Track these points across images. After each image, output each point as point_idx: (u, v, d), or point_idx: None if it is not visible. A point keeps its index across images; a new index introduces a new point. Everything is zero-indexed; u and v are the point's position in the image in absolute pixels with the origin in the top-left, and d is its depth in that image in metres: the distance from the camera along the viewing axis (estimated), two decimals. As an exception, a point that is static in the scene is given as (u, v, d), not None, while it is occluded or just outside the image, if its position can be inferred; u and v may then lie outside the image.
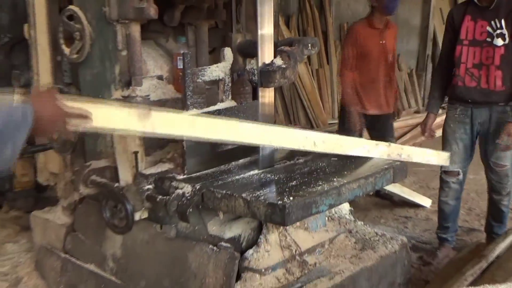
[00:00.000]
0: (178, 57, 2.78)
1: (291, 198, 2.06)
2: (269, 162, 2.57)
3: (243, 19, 3.13)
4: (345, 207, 2.86)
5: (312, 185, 2.25)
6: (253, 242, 2.43)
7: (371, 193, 4.17)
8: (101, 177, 2.60)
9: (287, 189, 2.20)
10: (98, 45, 2.70)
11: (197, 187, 2.27)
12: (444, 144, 3.74)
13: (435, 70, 3.97)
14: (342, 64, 4.73)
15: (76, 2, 2.75)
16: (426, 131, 3.85)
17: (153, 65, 2.91)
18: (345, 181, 2.30)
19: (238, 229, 2.46)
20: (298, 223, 2.50)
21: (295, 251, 2.45)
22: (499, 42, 3.38)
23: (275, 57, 2.49)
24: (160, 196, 2.34)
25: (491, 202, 3.77)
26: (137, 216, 2.41)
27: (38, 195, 4.36)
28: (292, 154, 2.78)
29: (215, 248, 2.38)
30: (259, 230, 2.47)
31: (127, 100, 2.53)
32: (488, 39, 3.42)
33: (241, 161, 2.66)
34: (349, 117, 4.52)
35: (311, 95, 7.05)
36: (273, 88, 2.53)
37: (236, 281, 2.30)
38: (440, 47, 3.80)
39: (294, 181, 2.33)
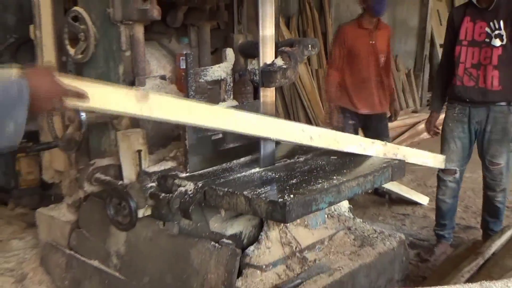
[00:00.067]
0: (181, 58, 2.78)
1: (292, 196, 2.07)
2: (270, 161, 2.57)
3: (244, 20, 3.13)
4: (344, 205, 2.86)
5: (312, 183, 2.25)
6: (254, 239, 2.43)
7: (370, 191, 4.18)
8: (105, 175, 2.60)
9: (287, 187, 2.20)
10: (103, 46, 2.71)
11: (200, 185, 2.27)
12: (443, 142, 3.75)
13: (438, 70, 3.98)
14: (329, 64, 4.76)
15: (81, 3, 2.76)
16: (431, 130, 3.91)
17: (156, 65, 2.91)
18: (344, 179, 2.30)
19: (240, 226, 2.46)
20: (298, 220, 2.50)
21: (295, 248, 2.45)
22: (497, 42, 3.39)
23: (276, 57, 2.49)
24: (163, 194, 2.34)
25: (486, 198, 3.78)
26: (140, 213, 2.41)
27: (43, 192, 4.36)
28: (293, 152, 2.78)
29: (217, 244, 2.38)
30: (260, 227, 2.47)
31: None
32: (487, 40, 3.42)
33: (242, 159, 2.66)
34: (330, 114, 4.62)
35: (311, 95, 7.05)
36: (274, 88, 2.54)
37: (238, 277, 2.30)
38: (438, 48, 3.84)
39: (295, 179, 2.33)
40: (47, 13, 2.94)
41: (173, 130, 2.74)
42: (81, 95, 1.77)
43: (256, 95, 2.83)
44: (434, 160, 3.13)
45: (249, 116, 2.37)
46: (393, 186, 4.83)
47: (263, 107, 2.53)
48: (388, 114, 4.86)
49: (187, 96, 2.41)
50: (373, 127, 4.64)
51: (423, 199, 4.95)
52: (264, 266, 2.31)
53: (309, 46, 2.62)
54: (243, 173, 2.46)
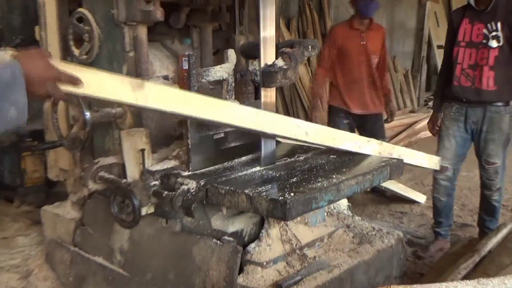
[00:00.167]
0: (184, 58, 2.78)
1: (292, 194, 2.06)
2: (270, 160, 2.57)
3: (245, 22, 3.13)
4: (344, 203, 2.86)
5: (312, 182, 2.25)
6: (255, 236, 2.43)
7: (368, 189, 4.18)
8: (109, 173, 2.60)
9: (288, 186, 2.20)
10: (107, 47, 2.70)
11: (202, 183, 2.27)
12: (439, 140, 3.77)
13: (439, 71, 3.99)
14: (318, 63, 4.77)
15: (85, 4, 2.75)
16: (433, 129, 3.92)
17: (159, 65, 2.91)
18: (343, 178, 2.30)
19: (241, 224, 2.46)
20: (298, 218, 2.50)
21: (296, 245, 2.45)
22: (494, 44, 3.39)
23: (276, 58, 2.49)
24: (166, 192, 2.34)
25: (483, 197, 3.79)
26: (143, 211, 2.41)
27: (49, 190, 4.38)
28: (293, 151, 2.78)
29: (218, 242, 2.38)
30: (260, 224, 2.46)
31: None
32: (484, 41, 3.43)
33: (243, 158, 2.66)
34: (312, 109, 4.72)
35: (311, 95, 7.05)
36: (274, 88, 2.53)
37: (239, 273, 2.30)
38: (435, 49, 3.84)
39: (295, 178, 2.32)
40: (52, 14, 2.93)
41: (175, 129, 2.74)
42: (75, 80, 1.73)
43: (257, 95, 2.83)
44: (429, 161, 3.12)
45: (244, 109, 2.34)
46: (391, 185, 4.83)
47: (263, 107, 2.53)
48: (385, 115, 4.85)
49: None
50: (368, 127, 4.63)
51: (420, 198, 4.95)
52: (264, 263, 2.31)
53: (309, 47, 2.62)
54: (244, 172, 2.46)
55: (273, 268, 2.33)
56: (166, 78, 2.86)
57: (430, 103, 9.41)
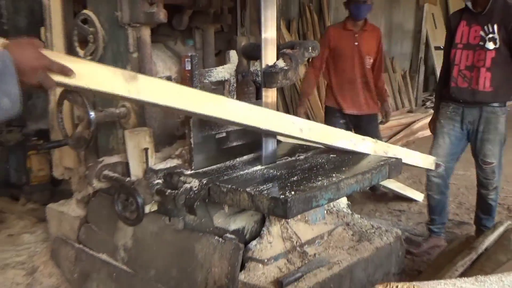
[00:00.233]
0: (186, 59, 2.77)
1: (293, 192, 2.06)
2: (271, 159, 2.57)
3: (247, 23, 3.13)
4: (343, 201, 2.86)
5: (312, 181, 2.24)
6: (256, 234, 2.43)
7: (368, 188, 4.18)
8: (113, 172, 2.60)
9: (288, 184, 2.19)
10: (111, 48, 2.71)
11: (204, 182, 2.27)
12: (434, 138, 3.78)
13: (440, 73, 3.99)
14: (309, 63, 4.77)
15: (90, 6, 2.75)
16: (434, 129, 3.89)
17: (162, 66, 2.91)
18: (343, 177, 2.29)
19: (242, 222, 2.46)
20: (298, 216, 2.50)
21: (296, 243, 2.45)
22: (490, 45, 3.40)
23: (277, 59, 2.48)
24: (169, 190, 2.34)
25: (480, 196, 3.78)
26: (147, 209, 2.41)
27: (54, 188, 4.38)
28: (293, 151, 2.78)
29: (220, 239, 2.38)
30: (262, 222, 2.47)
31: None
32: (481, 43, 3.44)
33: (245, 157, 2.66)
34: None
35: (310, 95, 7.04)
36: (275, 88, 2.53)
37: (240, 270, 2.30)
38: (433, 50, 3.84)
39: (295, 177, 2.32)
40: (57, 16, 2.94)
41: (178, 129, 2.74)
42: (66, 70, 1.69)
43: (258, 95, 2.82)
44: (424, 160, 3.11)
45: (239, 104, 2.31)
46: (389, 183, 4.84)
47: (265, 107, 2.53)
48: (380, 116, 4.82)
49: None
50: (363, 128, 4.59)
51: (418, 196, 4.95)
52: (266, 260, 2.31)
53: (310, 48, 2.62)
54: (246, 171, 2.45)
55: (274, 265, 2.33)
56: (169, 78, 2.86)
57: (428, 103, 9.43)
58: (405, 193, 4.93)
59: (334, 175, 2.32)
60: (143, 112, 2.68)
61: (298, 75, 2.54)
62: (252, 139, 2.62)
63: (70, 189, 3.29)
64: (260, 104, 2.53)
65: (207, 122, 2.43)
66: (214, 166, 2.51)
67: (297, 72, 2.51)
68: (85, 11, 2.74)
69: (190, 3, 2.78)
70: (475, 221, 3.91)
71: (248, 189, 2.13)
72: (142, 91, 1.98)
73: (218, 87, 2.80)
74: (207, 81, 2.62)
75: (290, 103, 7.08)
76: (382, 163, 2.54)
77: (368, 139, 2.70)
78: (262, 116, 2.35)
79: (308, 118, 7.02)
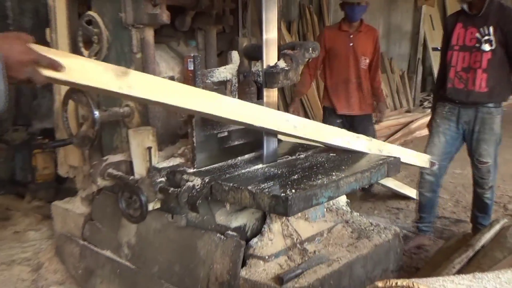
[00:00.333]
0: (189, 60, 2.77)
1: (293, 190, 2.06)
2: (272, 157, 2.57)
3: (248, 25, 3.12)
4: (342, 199, 2.86)
5: (312, 179, 2.24)
6: (258, 231, 2.43)
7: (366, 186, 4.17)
8: (117, 170, 2.60)
9: (289, 182, 2.19)
10: (115, 48, 2.70)
11: (206, 180, 2.27)
12: (429, 137, 3.77)
13: (437, 75, 3.98)
14: (305, 63, 4.74)
15: (94, 8, 2.75)
16: None
17: (166, 67, 2.91)
18: (343, 175, 2.29)
19: (244, 219, 2.46)
20: (299, 214, 2.49)
21: (296, 240, 2.45)
22: (486, 47, 3.39)
23: (278, 60, 2.48)
24: (172, 188, 2.34)
25: (475, 195, 3.78)
26: (150, 207, 2.41)
27: (59, 186, 4.39)
28: (294, 150, 2.78)
29: (222, 236, 2.38)
30: (263, 220, 2.46)
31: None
32: (477, 45, 3.43)
33: (246, 156, 2.65)
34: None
35: (310, 95, 7.04)
36: (276, 88, 2.53)
37: (242, 267, 2.30)
38: (430, 51, 3.84)
39: (296, 175, 2.32)
40: (62, 17, 2.93)
41: (181, 128, 2.74)
42: (56, 65, 1.64)
43: (259, 95, 2.82)
44: (418, 159, 3.09)
45: (232, 101, 2.28)
46: (387, 182, 4.83)
47: (266, 107, 2.52)
48: (374, 116, 4.80)
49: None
50: (355, 128, 4.53)
51: (416, 194, 4.93)
52: (266, 257, 2.31)
53: (310, 49, 2.62)
54: (247, 169, 2.45)
55: (274, 262, 2.33)
56: (172, 78, 2.85)
57: (426, 103, 9.42)
58: (402, 192, 4.92)
59: (334, 173, 2.32)
60: (147, 111, 2.68)
61: (299, 75, 2.53)
62: (253, 138, 2.62)
63: (74, 187, 3.29)
64: (261, 104, 2.53)
65: (209, 122, 2.42)
66: (216, 165, 2.51)
67: (298, 72, 2.51)
68: (89, 12, 2.74)
69: (192, 4, 2.77)
70: (471, 219, 3.91)
71: (249, 187, 2.13)
72: (134, 87, 1.93)
73: (220, 87, 2.79)
74: (209, 81, 2.61)
75: (290, 103, 7.07)
76: (381, 162, 2.54)
77: (362, 137, 2.69)
78: (256, 113, 2.33)
79: (308, 117, 7.02)
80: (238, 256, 2.30)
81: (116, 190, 2.57)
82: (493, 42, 3.38)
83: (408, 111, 8.76)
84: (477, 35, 3.43)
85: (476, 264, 2.63)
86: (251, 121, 2.32)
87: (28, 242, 3.70)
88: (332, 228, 2.66)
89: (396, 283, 1.32)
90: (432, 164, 3.56)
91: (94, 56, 2.74)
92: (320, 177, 2.27)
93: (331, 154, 2.66)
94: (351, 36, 4.49)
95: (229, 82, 2.73)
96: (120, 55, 2.69)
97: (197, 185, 2.27)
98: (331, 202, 2.79)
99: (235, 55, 2.75)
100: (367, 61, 4.56)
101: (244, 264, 2.31)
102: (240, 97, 2.78)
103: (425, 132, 4.08)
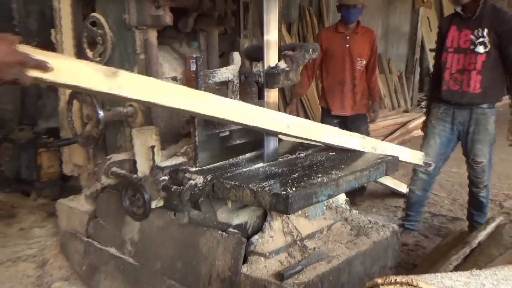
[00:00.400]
0: (191, 60, 2.77)
1: (294, 189, 2.06)
2: (273, 156, 2.57)
3: (250, 26, 3.12)
4: (342, 197, 2.86)
5: (312, 177, 2.24)
6: (258, 229, 2.43)
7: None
8: (121, 169, 2.60)
9: (290, 181, 2.20)
10: (119, 49, 2.70)
11: (208, 179, 2.27)
12: (424, 138, 3.77)
13: (431, 76, 3.97)
14: (304, 65, 4.73)
15: (98, 9, 2.75)
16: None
17: (168, 67, 2.91)
18: (342, 174, 2.29)
19: (245, 217, 2.46)
20: (299, 211, 2.49)
21: (296, 237, 2.45)
22: (480, 49, 3.39)
23: (279, 60, 2.48)
24: (174, 187, 2.34)
25: (471, 194, 3.79)
26: (153, 204, 2.41)
27: (63, 184, 4.39)
28: (294, 149, 2.78)
29: (224, 233, 2.38)
30: (263, 217, 2.46)
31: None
32: (471, 47, 3.43)
33: (247, 155, 2.66)
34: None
35: (310, 96, 7.04)
36: (277, 88, 2.53)
37: (243, 263, 2.30)
38: (428, 52, 3.84)
39: (296, 174, 2.32)
40: (67, 19, 2.94)
41: (183, 127, 2.74)
42: (43, 66, 1.59)
43: (260, 96, 2.82)
44: (413, 156, 3.08)
45: (224, 100, 2.23)
46: (385, 180, 4.83)
47: (267, 107, 2.53)
48: (368, 116, 4.77)
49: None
50: (348, 127, 4.53)
51: (406, 189, 4.93)
52: (267, 254, 2.31)
53: (310, 50, 2.61)
54: (249, 168, 2.45)
55: (275, 259, 2.33)
56: (174, 79, 2.86)
57: (423, 103, 9.41)
58: (400, 190, 4.92)
59: (333, 172, 2.32)
60: (150, 111, 2.68)
61: (299, 76, 2.53)
62: (254, 137, 2.62)
63: (79, 185, 3.30)
64: (262, 104, 2.53)
65: (211, 121, 2.43)
66: (218, 163, 2.51)
67: (298, 73, 2.51)
68: (94, 14, 2.74)
69: (195, 6, 2.77)
70: (467, 217, 3.91)
71: (250, 186, 2.13)
72: (124, 87, 1.89)
73: (222, 87, 2.80)
74: (211, 82, 2.61)
75: (288, 104, 7.06)
76: (380, 160, 2.54)
77: (355, 135, 2.68)
78: (248, 112, 2.31)
79: (308, 118, 7.02)
80: (239, 253, 2.30)
81: (119, 188, 2.57)
82: (487, 44, 3.38)
83: (406, 111, 8.75)
84: (471, 37, 3.43)
85: (473, 261, 2.63)
86: (243, 121, 2.29)
87: (34, 239, 3.70)
88: (331, 226, 2.66)
89: (396, 280, 1.32)
90: (428, 165, 3.57)
91: (99, 57, 2.74)
92: (320, 175, 2.27)
93: (330, 153, 2.66)
94: (347, 37, 4.47)
95: (230, 82, 2.73)
96: (124, 56, 2.69)
97: (199, 183, 2.28)
98: (330, 200, 2.79)
99: (236, 56, 2.75)
100: (364, 62, 4.52)
101: (245, 260, 2.31)
102: (241, 97, 2.78)
103: (423, 131, 4.08)
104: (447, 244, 3.17)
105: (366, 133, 4.58)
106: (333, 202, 2.82)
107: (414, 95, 9.60)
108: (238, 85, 2.75)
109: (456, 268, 2.61)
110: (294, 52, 2.54)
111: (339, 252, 2.44)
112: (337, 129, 2.67)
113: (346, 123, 4.56)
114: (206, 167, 2.45)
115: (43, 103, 4.49)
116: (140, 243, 2.76)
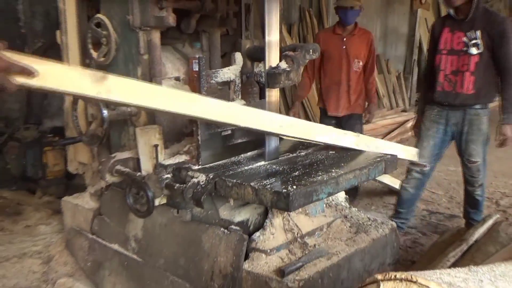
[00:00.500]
0: (194, 61, 2.77)
1: (294, 187, 2.06)
2: (274, 155, 2.57)
3: (251, 27, 3.12)
4: (341, 195, 2.86)
5: (313, 176, 2.24)
6: (260, 226, 2.43)
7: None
8: (125, 167, 2.60)
9: (290, 179, 2.19)
10: (123, 50, 2.70)
11: (211, 177, 2.27)
12: (418, 140, 3.77)
13: (423, 77, 3.96)
14: (304, 67, 4.73)
15: (103, 11, 2.75)
16: (418, 132, 3.85)
17: (171, 67, 2.91)
18: (342, 172, 2.29)
19: (247, 214, 2.46)
20: (299, 209, 2.50)
21: (297, 234, 2.45)
22: (473, 51, 3.40)
23: (280, 61, 2.48)
24: (177, 184, 2.34)
25: (467, 192, 3.79)
26: (156, 202, 2.41)
27: (68, 182, 4.40)
28: (295, 147, 2.77)
29: (226, 230, 2.38)
30: (265, 215, 2.46)
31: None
32: (464, 49, 3.43)
33: (249, 153, 2.65)
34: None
35: (310, 96, 7.03)
36: (278, 88, 2.53)
37: (245, 260, 2.30)
38: (425, 53, 3.82)
39: (297, 172, 2.32)
40: (72, 20, 2.93)
41: (186, 126, 2.74)
42: (28, 71, 1.54)
43: (262, 95, 2.82)
44: (406, 153, 3.07)
45: (215, 102, 2.17)
46: (384, 178, 4.83)
47: (268, 106, 2.52)
48: (364, 118, 4.73)
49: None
50: (342, 127, 4.48)
51: (399, 185, 4.92)
52: (268, 250, 2.31)
53: (310, 50, 2.61)
54: (250, 166, 2.45)
55: (276, 255, 2.34)
56: (177, 79, 2.86)
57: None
58: (399, 188, 4.91)
59: (333, 170, 2.32)
60: (153, 110, 2.67)
61: (300, 76, 2.53)
62: (255, 136, 2.62)
63: (84, 183, 3.30)
64: (263, 104, 2.53)
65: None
66: (220, 162, 2.51)
67: (299, 73, 2.51)
68: (98, 15, 2.73)
69: (197, 8, 2.77)
70: (464, 215, 3.92)
71: (252, 184, 2.13)
72: (113, 91, 1.84)
73: (224, 87, 2.79)
74: (213, 82, 2.61)
75: (291, 103, 7.06)
76: (379, 159, 2.54)
77: (349, 133, 2.68)
78: (240, 113, 2.28)
79: (308, 118, 7.02)
80: (241, 249, 2.30)
81: (123, 186, 2.57)
82: (480, 46, 3.38)
83: (404, 111, 8.74)
84: (464, 39, 3.43)
85: (470, 257, 2.63)
86: (236, 122, 2.26)
87: (39, 236, 3.70)
88: (331, 223, 2.66)
89: (395, 276, 1.32)
90: (423, 166, 3.57)
91: (103, 57, 2.74)
92: (320, 174, 2.27)
93: (330, 152, 2.66)
94: (344, 39, 4.45)
95: (232, 82, 2.73)
96: (128, 57, 2.68)
97: (202, 181, 2.28)
98: (330, 197, 2.79)
99: (238, 57, 2.75)
100: (361, 64, 4.49)
101: (246, 257, 2.32)
102: (243, 97, 2.78)
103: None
104: (445, 241, 3.17)
105: (360, 133, 4.57)
106: (333, 200, 2.82)
107: (412, 95, 9.58)
108: (240, 85, 2.75)
109: (454, 265, 2.61)
110: (295, 53, 2.54)
111: (339, 249, 2.44)
112: (331, 128, 2.64)
113: (340, 123, 4.55)
114: (208, 165, 2.45)
115: (48, 102, 4.50)
116: (144, 240, 2.77)
